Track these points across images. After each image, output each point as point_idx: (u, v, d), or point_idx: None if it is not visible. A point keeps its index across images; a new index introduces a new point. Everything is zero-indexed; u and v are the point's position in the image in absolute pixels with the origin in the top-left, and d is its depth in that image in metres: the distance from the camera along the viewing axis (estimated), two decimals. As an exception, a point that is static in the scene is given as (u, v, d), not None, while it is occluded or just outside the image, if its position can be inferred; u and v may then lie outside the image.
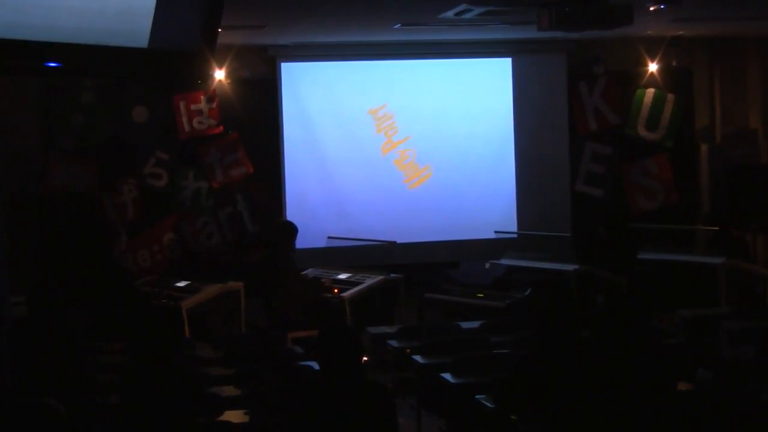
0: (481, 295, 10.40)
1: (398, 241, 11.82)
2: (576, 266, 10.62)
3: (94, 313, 9.60)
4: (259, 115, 11.95)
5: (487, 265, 11.06)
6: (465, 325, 8.95)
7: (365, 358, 8.64)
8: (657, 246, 11.12)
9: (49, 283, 7.60)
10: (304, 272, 10.74)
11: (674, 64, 12.70)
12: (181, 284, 10.55)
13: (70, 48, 5.83)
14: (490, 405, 6.35)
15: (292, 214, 11.78)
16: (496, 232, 12.34)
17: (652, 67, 12.50)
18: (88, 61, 6.22)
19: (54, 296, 7.36)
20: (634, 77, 12.63)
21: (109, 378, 7.19)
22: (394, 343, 8.50)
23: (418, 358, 7.84)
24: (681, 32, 11.94)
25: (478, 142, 12.42)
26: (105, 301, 9.85)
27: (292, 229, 10.31)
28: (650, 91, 12.62)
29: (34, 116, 11.32)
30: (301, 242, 10.55)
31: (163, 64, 6.48)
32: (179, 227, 11.72)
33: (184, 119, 11.69)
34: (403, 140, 12.28)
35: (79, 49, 5.86)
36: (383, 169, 12.28)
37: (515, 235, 12.33)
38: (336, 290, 10.29)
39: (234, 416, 6.16)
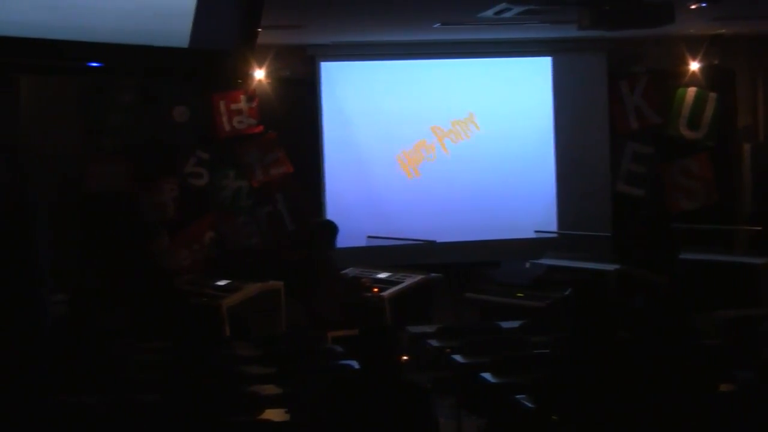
0: (521, 295, 10.36)
1: (438, 241, 11.81)
2: (616, 266, 10.55)
3: (134, 312, 9.66)
4: (298, 114, 11.96)
5: (527, 265, 11.02)
6: (505, 324, 8.91)
7: (404, 358, 8.64)
8: (697, 246, 11.04)
9: (89, 282, 7.68)
10: (343, 271, 10.75)
11: (716, 62, 12.59)
12: (221, 283, 10.58)
13: (111, 48, 5.89)
14: (530, 405, 6.33)
15: (331, 213, 11.79)
16: (536, 231, 12.31)
17: (694, 65, 12.40)
18: (129, 61, 6.29)
19: (94, 295, 7.41)
20: (675, 76, 12.53)
21: (148, 376, 7.22)
22: (433, 342, 8.48)
23: (457, 357, 7.82)
24: (722, 30, 11.84)
25: (518, 141, 12.36)
26: (145, 299, 9.91)
27: (331, 229, 10.32)
28: (691, 90, 12.52)
29: (73, 117, 11.37)
30: (341, 241, 10.56)
31: (203, 64, 6.54)
32: (219, 226, 11.76)
33: (224, 118, 11.73)
34: (445, 134, 12.27)
35: (121, 49, 5.92)
36: (422, 166, 12.26)
37: (555, 235, 12.29)
38: (376, 289, 10.29)
39: (274, 415, 6.17)
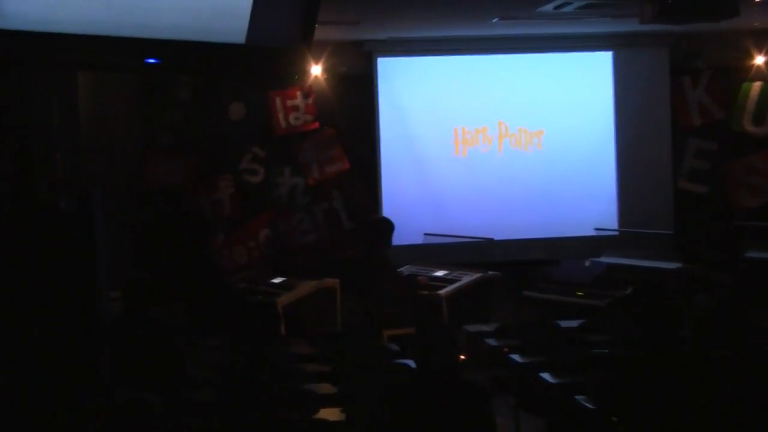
0: (581, 294, 10.26)
1: (496, 239, 11.74)
2: (678, 264, 10.42)
3: (190, 309, 9.68)
4: (355, 110, 11.94)
5: (587, 263, 10.92)
6: (563, 323, 8.81)
7: (462, 357, 8.57)
8: (762, 244, 10.87)
9: (146, 279, 7.70)
10: (400, 269, 10.70)
11: (782, 56, 12.39)
12: (277, 281, 10.59)
13: (169, 45, 5.90)
14: (589, 405, 6.25)
15: (388, 210, 11.75)
16: (596, 229, 12.19)
17: (759, 60, 12.21)
18: (186, 58, 6.30)
19: (150, 292, 7.42)
20: (739, 71, 12.34)
21: (205, 374, 7.22)
22: (491, 341, 8.42)
23: (515, 356, 7.75)
24: (789, 24, 11.66)
25: (578, 137, 12.25)
26: (201, 297, 9.93)
27: (388, 226, 10.26)
28: (756, 85, 12.33)
29: (132, 114, 11.45)
30: (398, 239, 10.50)
31: (259, 60, 6.53)
32: (275, 223, 11.77)
33: (281, 115, 11.73)
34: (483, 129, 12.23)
35: (178, 45, 5.93)
36: (480, 162, 12.18)
37: (616, 233, 12.17)
38: (433, 287, 10.23)
39: (330, 414, 6.13)
